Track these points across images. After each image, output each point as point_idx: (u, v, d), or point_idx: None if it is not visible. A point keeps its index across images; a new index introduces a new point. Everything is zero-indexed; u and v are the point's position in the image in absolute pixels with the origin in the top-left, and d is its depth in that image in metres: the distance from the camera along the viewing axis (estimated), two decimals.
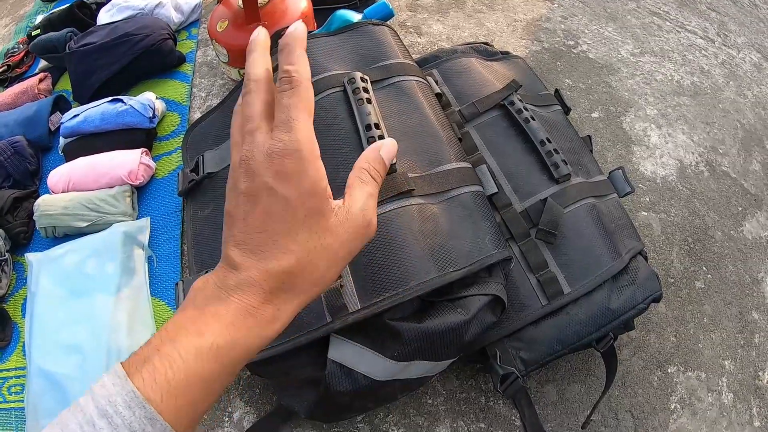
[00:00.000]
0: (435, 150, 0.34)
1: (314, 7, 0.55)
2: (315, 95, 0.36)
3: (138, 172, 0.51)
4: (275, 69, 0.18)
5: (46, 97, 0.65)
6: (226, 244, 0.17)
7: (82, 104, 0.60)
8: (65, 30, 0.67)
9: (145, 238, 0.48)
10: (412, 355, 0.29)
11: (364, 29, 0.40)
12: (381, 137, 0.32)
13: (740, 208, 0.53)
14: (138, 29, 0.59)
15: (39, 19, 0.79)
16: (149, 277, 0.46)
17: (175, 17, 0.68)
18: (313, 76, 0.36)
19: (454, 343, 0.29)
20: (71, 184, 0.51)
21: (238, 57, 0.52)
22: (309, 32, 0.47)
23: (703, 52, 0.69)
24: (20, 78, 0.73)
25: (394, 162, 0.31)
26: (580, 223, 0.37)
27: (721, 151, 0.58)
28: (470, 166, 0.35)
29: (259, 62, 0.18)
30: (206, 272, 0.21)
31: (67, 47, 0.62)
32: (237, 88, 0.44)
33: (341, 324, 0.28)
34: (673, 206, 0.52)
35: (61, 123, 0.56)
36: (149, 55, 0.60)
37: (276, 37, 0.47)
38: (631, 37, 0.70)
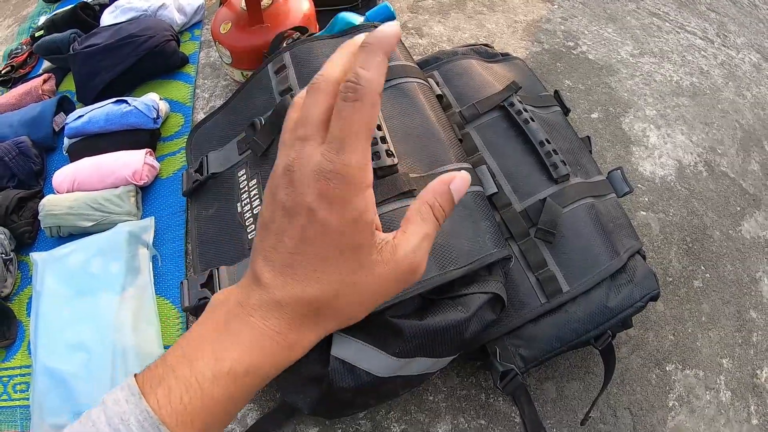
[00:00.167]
0: (436, 151, 0.34)
1: (316, 9, 0.56)
2: None
3: (142, 172, 0.51)
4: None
5: (50, 97, 0.66)
6: (255, 254, 0.16)
7: (86, 105, 0.60)
8: (69, 31, 0.68)
9: (149, 237, 0.48)
10: (414, 352, 0.30)
11: (367, 31, 0.40)
12: (383, 139, 0.32)
13: (738, 208, 0.53)
14: (141, 31, 0.60)
15: (42, 20, 0.80)
16: (154, 276, 0.47)
17: (178, 19, 0.69)
18: None
19: (454, 340, 0.30)
20: (76, 184, 0.52)
21: (241, 59, 0.52)
22: (311, 34, 0.48)
23: (702, 52, 0.70)
24: (24, 79, 0.73)
25: (395, 163, 0.32)
26: (579, 223, 0.37)
27: (719, 152, 0.58)
28: (470, 166, 0.35)
29: (340, 61, 0.16)
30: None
31: (71, 48, 0.63)
32: (240, 89, 0.44)
33: None
34: (671, 206, 0.52)
35: (66, 123, 0.57)
36: (153, 57, 0.60)
37: (278, 39, 0.48)
38: (631, 38, 0.70)
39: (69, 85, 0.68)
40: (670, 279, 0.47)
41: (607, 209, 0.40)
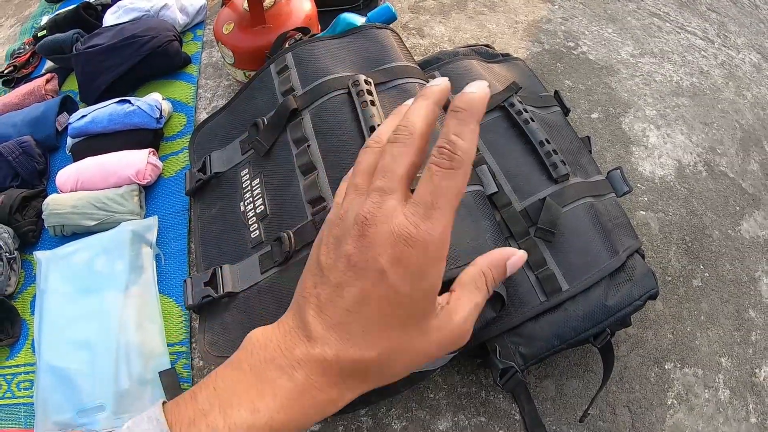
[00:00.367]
0: None
1: (318, 9, 0.56)
2: (320, 97, 0.37)
3: (146, 171, 0.52)
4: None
5: (52, 97, 0.66)
6: (305, 301, 0.15)
7: (88, 105, 0.61)
8: (71, 31, 0.68)
9: (153, 236, 0.49)
10: None
11: (368, 33, 0.41)
12: None
13: (738, 208, 0.54)
14: (144, 31, 0.60)
15: (44, 20, 0.80)
16: (157, 275, 0.47)
17: (180, 19, 0.69)
18: (318, 78, 0.38)
19: None
20: (79, 183, 0.52)
21: (244, 59, 0.53)
22: (313, 35, 0.48)
23: (702, 52, 0.70)
24: (26, 78, 0.74)
25: None
26: (578, 222, 0.37)
27: (719, 152, 0.58)
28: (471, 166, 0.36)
29: (424, 112, 0.16)
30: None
31: (73, 48, 0.63)
32: (243, 90, 0.45)
33: None
34: (671, 205, 0.52)
35: (69, 123, 0.57)
36: (156, 57, 0.61)
37: (280, 39, 0.48)
38: (631, 39, 0.70)
39: (72, 85, 0.68)
40: (669, 278, 0.47)
41: (607, 209, 0.40)
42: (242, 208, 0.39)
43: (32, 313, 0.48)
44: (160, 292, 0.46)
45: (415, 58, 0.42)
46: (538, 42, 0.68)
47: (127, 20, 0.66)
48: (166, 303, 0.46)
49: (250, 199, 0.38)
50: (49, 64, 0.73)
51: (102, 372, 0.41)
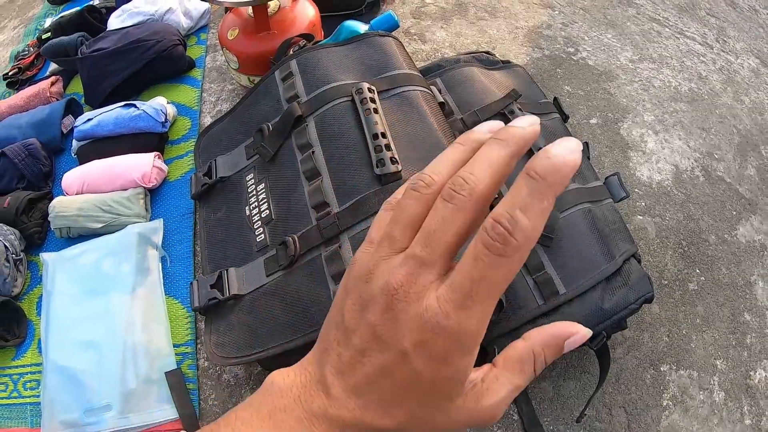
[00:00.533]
0: None
1: (321, 14, 0.57)
2: (324, 104, 0.38)
3: (151, 175, 0.52)
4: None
5: (57, 100, 0.67)
6: (327, 354, 0.14)
7: (93, 108, 0.62)
8: (76, 34, 0.69)
9: (158, 239, 0.49)
10: None
11: (371, 40, 0.41)
12: (387, 146, 0.33)
13: (734, 213, 0.54)
14: (149, 35, 0.61)
15: (48, 22, 0.81)
16: (163, 277, 0.48)
17: (185, 23, 0.70)
18: (322, 85, 0.39)
19: None
20: (85, 186, 0.53)
21: (248, 64, 0.53)
22: (317, 42, 0.49)
23: (701, 58, 0.71)
24: (31, 81, 0.74)
25: (399, 169, 0.33)
26: (576, 227, 0.38)
27: (716, 157, 0.59)
28: None
29: (496, 167, 0.13)
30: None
31: (79, 52, 0.64)
32: (248, 96, 0.45)
33: None
34: (668, 210, 0.53)
35: (75, 126, 0.58)
36: (160, 61, 0.61)
37: (284, 46, 0.49)
38: (631, 44, 0.71)
39: (76, 88, 0.69)
40: (666, 282, 0.48)
41: (604, 214, 0.41)
42: (247, 212, 0.39)
43: (38, 313, 0.49)
44: (165, 294, 0.47)
45: (416, 63, 0.43)
46: (538, 47, 0.68)
47: (131, 24, 0.67)
48: (171, 304, 0.47)
49: (256, 203, 0.39)
50: (53, 66, 0.74)
51: (109, 372, 0.42)
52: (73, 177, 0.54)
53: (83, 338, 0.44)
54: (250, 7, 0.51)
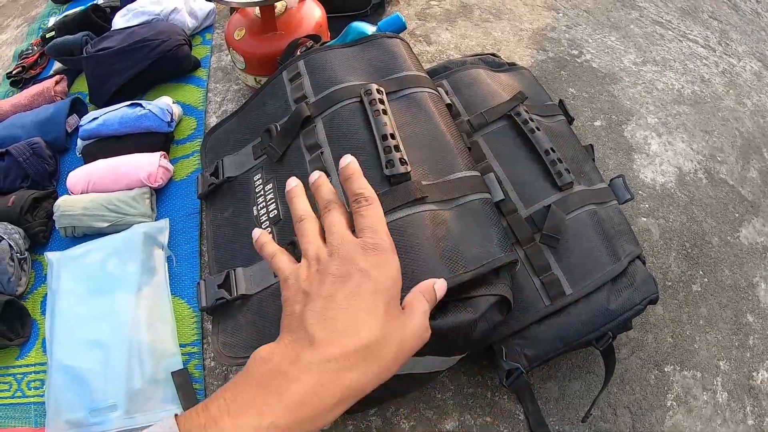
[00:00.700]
0: (446, 159, 0.35)
1: (327, 15, 0.57)
2: (332, 105, 0.38)
3: (157, 174, 0.53)
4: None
5: (62, 99, 0.67)
6: (302, 319, 0.19)
7: (98, 107, 0.62)
8: (81, 33, 0.69)
9: (164, 238, 0.50)
10: (424, 351, 0.31)
11: (379, 42, 0.42)
12: (396, 147, 0.33)
13: (737, 215, 0.55)
14: (155, 35, 0.61)
15: (51, 21, 0.81)
16: (169, 277, 0.48)
17: (190, 23, 0.70)
18: (331, 86, 0.39)
19: (463, 339, 0.31)
20: (91, 185, 0.53)
21: (255, 65, 0.53)
22: (324, 43, 0.49)
23: (704, 60, 0.71)
24: (35, 79, 0.74)
25: (408, 170, 0.33)
26: (582, 229, 0.38)
27: (719, 159, 0.59)
28: (479, 174, 0.36)
29: (333, 194, 0.26)
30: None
31: (84, 51, 0.64)
32: (255, 96, 0.45)
33: None
34: (671, 212, 0.54)
35: (80, 125, 0.58)
36: (166, 61, 0.61)
37: (291, 46, 0.49)
38: (634, 47, 0.71)
39: (81, 87, 0.69)
40: (669, 283, 0.48)
41: (609, 215, 0.41)
42: (255, 212, 0.40)
43: (42, 313, 0.49)
44: (171, 294, 0.47)
45: (422, 64, 0.43)
46: (542, 50, 0.69)
47: (136, 24, 0.67)
48: (177, 304, 0.47)
49: (263, 203, 0.39)
50: (57, 65, 0.74)
51: (114, 371, 0.42)
52: (78, 176, 0.54)
53: (89, 338, 0.44)
54: (257, 8, 0.51)
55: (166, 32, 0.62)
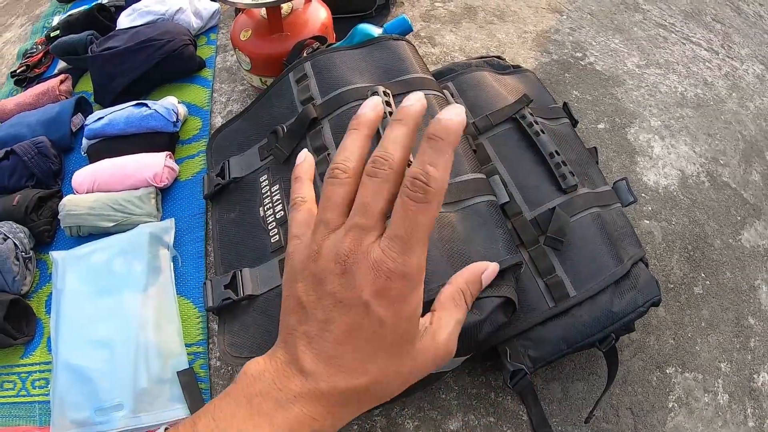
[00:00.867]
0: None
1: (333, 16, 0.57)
2: (339, 107, 0.39)
3: (162, 174, 0.53)
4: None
5: (66, 98, 0.67)
6: (293, 337, 0.16)
7: (103, 107, 0.62)
8: (85, 33, 0.69)
9: (170, 238, 0.50)
10: None
11: (385, 44, 0.42)
12: None
13: (739, 218, 0.55)
14: (160, 35, 0.61)
15: (56, 20, 0.81)
16: (174, 276, 0.48)
17: (195, 23, 0.70)
18: (338, 88, 0.39)
19: (469, 340, 0.31)
20: (96, 184, 0.53)
21: (261, 65, 0.54)
22: (330, 44, 0.49)
23: (707, 63, 0.71)
24: (39, 78, 0.74)
25: None
26: (586, 231, 0.39)
27: (722, 162, 0.60)
28: (484, 176, 0.37)
29: (402, 141, 0.16)
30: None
31: (89, 51, 0.64)
32: (261, 97, 0.46)
33: None
34: (674, 215, 0.54)
35: (85, 125, 0.58)
36: (171, 61, 0.62)
37: (297, 47, 0.49)
38: (637, 49, 0.72)
39: (85, 86, 0.69)
40: (672, 285, 0.49)
41: (612, 218, 0.41)
42: (261, 213, 0.40)
43: (47, 312, 0.49)
44: (177, 294, 0.47)
45: (429, 68, 0.43)
46: (546, 52, 0.69)
47: (141, 23, 0.67)
48: (183, 304, 0.47)
49: (270, 204, 0.40)
50: (61, 64, 0.74)
51: (120, 371, 0.42)
52: (83, 175, 0.54)
53: (94, 337, 0.44)
54: (264, 9, 0.51)
55: (171, 32, 0.62)
